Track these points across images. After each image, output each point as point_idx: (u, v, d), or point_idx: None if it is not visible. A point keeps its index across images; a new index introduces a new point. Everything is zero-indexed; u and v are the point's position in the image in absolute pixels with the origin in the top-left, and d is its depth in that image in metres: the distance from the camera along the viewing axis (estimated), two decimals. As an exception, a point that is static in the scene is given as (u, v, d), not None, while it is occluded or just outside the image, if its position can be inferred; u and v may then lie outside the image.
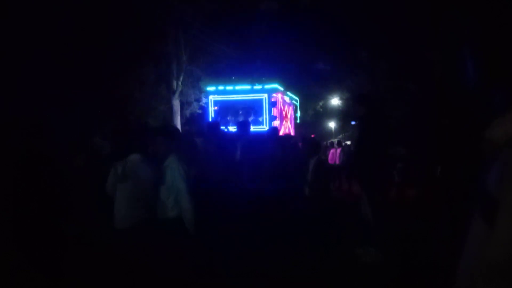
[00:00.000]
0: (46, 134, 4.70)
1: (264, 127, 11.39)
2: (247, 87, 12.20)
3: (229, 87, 12.29)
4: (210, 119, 11.86)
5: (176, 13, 16.93)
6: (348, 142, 29.19)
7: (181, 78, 18.53)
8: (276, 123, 11.51)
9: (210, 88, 12.52)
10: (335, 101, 30.91)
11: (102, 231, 4.27)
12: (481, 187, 1.51)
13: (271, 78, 12.68)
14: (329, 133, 34.67)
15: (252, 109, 11.86)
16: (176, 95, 18.57)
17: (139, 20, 15.64)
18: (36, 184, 4.30)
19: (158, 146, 4.16)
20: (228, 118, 11.86)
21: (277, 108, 11.79)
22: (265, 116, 11.70)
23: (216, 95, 12.24)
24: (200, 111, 19.57)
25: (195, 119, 19.85)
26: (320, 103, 30.51)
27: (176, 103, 18.71)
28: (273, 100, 11.65)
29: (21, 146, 4.59)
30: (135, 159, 4.15)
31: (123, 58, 15.85)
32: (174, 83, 18.47)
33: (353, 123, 28.79)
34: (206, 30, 18.05)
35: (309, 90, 25.69)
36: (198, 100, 19.59)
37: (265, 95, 11.72)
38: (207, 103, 15.52)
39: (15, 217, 4.24)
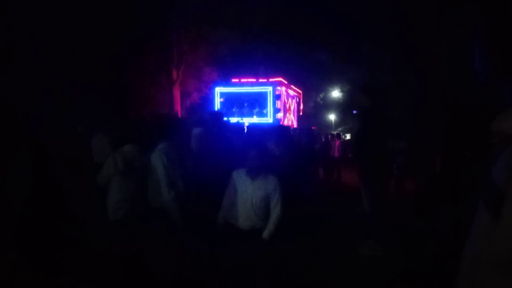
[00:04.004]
0: (47, 130, 4.69)
1: (269, 119, 11.63)
2: (252, 79, 12.49)
3: (235, 80, 12.54)
4: (216, 110, 12.03)
5: (178, 2, 16.82)
6: (348, 135, 29.24)
7: (181, 68, 18.47)
8: (279, 115, 11.78)
9: (217, 80, 12.81)
10: (335, 93, 30.87)
11: (98, 225, 4.25)
12: (487, 178, 1.52)
13: (275, 71, 12.92)
14: (329, 125, 34.63)
15: (257, 101, 12.22)
16: (176, 84, 18.52)
17: (139, 8, 15.54)
18: (36, 183, 4.31)
19: (143, 136, 4.22)
20: (234, 110, 12.13)
21: (281, 101, 12.07)
22: (269, 109, 11.96)
23: (222, 87, 12.51)
24: (200, 101, 19.54)
25: (195, 109, 19.81)
26: (321, 95, 30.48)
27: (176, 93, 18.67)
28: (277, 93, 11.97)
29: (22, 144, 4.60)
30: (131, 150, 4.09)
31: (123, 47, 15.76)
32: (175, 73, 18.40)
33: (354, 112, 28.76)
34: (208, 19, 17.96)
35: (309, 82, 25.65)
36: (199, 90, 19.54)
37: (270, 88, 12.06)
38: (207, 93, 15.59)
39: (16, 216, 4.26)
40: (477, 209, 1.59)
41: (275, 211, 4.02)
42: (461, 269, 1.66)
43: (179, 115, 18.28)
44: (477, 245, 1.52)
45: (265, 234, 3.96)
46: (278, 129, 6.83)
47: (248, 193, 4.00)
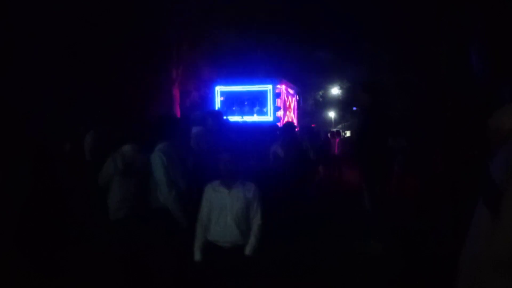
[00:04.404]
0: (47, 130, 4.69)
1: (269, 117, 11.70)
2: (252, 78, 12.52)
3: (235, 78, 12.63)
4: (217, 109, 12.15)
5: (177, 1, 16.79)
6: (348, 133, 29.25)
7: (180, 67, 18.44)
8: (280, 113, 11.84)
9: (217, 79, 12.92)
10: (335, 90, 30.83)
11: (98, 225, 4.24)
12: (485, 176, 1.51)
13: (275, 69, 13.00)
14: (328, 123, 34.65)
15: (257, 99, 12.28)
16: (176, 84, 18.49)
17: (138, 8, 15.50)
18: (36, 183, 4.31)
19: (143, 135, 4.17)
20: (234, 109, 12.20)
21: (281, 99, 12.13)
22: (270, 107, 12.03)
23: (222, 86, 12.58)
24: (199, 100, 19.51)
25: (195, 108, 19.78)
26: (320, 93, 30.41)
27: (176, 92, 18.64)
28: (277, 91, 12.02)
29: (22, 144, 4.60)
30: (130, 150, 4.07)
31: (122, 47, 15.71)
32: (174, 72, 18.37)
33: (354, 109, 28.75)
34: (207, 18, 17.92)
35: (309, 79, 25.61)
36: (198, 89, 19.51)
37: (270, 86, 12.07)
38: (207, 92, 15.61)
39: (16, 216, 4.26)
40: (476, 208, 1.58)
41: (255, 221, 3.57)
42: (461, 269, 1.65)
43: (179, 114, 18.27)
44: (477, 245, 1.51)
45: (248, 250, 3.50)
46: (284, 128, 6.51)
47: (227, 206, 3.51)
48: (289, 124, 6.77)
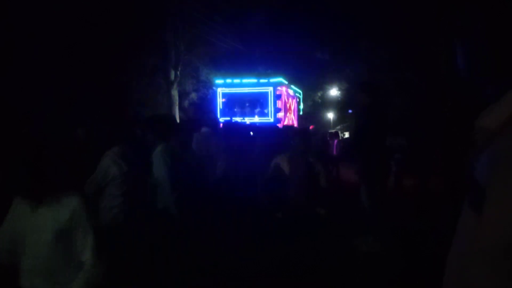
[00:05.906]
0: (47, 130, 4.66)
1: (270, 119, 11.96)
2: (253, 80, 12.75)
3: (236, 80, 12.85)
4: (218, 111, 12.45)
5: (175, 1, 16.80)
6: (347, 134, 29.24)
7: (179, 68, 18.44)
8: (280, 115, 11.98)
9: (218, 81, 13.09)
10: (333, 91, 30.83)
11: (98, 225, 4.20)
12: (470, 175, 1.51)
13: (275, 71, 13.19)
14: (327, 124, 34.62)
15: (258, 101, 12.48)
16: (174, 85, 18.49)
17: (137, 8, 15.52)
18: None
19: (145, 137, 4.12)
20: (235, 110, 12.42)
21: (281, 100, 12.31)
22: (271, 108, 12.21)
23: (224, 88, 12.73)
24: (198, 101, 19.53)
25: (195, 109, 19.78)
26: (319, 94, 30.39)
27: (174, 93, 18.64)
28: (278, 93, 12.23)
29: (22, 144, 4.57)
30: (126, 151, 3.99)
31: (121, 47, 15.72)
32: (172, 73, 18.37)
33: (350, 111, 28.82)
34: (205, 19, 17.94)
35: (308, 80, 25.62)
36: (197, 90, 19.52)
37: (271, 88, 12.28)
38: (205, 93, 15.73)
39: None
40: (462, 211, 1.58)
41: (85, 262, 2.24)
42: (448, 270, 1.65)
43: (177, 115, 18.29)
44: (463, 241, 1.51)
45: None
46: (298, 136, 5.09)
47: (27, 233, 2.23)
48: (305, 131, 5.50)
